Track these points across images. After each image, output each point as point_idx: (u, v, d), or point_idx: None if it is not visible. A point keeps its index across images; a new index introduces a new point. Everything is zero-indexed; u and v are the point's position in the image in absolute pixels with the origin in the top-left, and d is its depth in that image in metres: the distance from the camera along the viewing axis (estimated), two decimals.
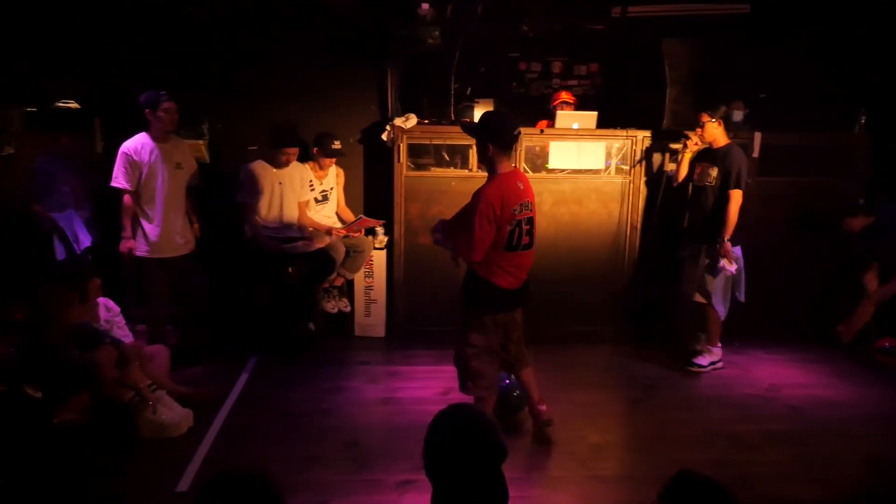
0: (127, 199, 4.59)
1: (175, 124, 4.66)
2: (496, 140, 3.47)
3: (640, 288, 5.39)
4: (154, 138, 4.57)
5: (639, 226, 5.32)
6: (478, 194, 3.49)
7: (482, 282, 3.56)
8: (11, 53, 5.18)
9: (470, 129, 3.71)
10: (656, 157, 5.33)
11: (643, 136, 5.23)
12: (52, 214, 5.00)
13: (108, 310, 4.42)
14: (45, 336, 3.80)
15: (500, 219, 3.45)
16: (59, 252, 5.00)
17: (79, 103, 5.31)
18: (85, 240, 5.10)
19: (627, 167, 5.30)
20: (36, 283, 4.16)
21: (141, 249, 4.63)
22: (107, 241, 4.96)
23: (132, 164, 4.53)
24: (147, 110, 4.50)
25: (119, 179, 4.54)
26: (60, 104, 5.26)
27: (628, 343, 5.39)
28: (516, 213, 3.50)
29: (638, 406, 4.44)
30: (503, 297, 3.59)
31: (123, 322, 4.48)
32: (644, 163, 5.26)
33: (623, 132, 5.23)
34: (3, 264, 4.90)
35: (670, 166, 5.24)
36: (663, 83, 5.14)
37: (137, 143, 4.56)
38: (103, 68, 5.30)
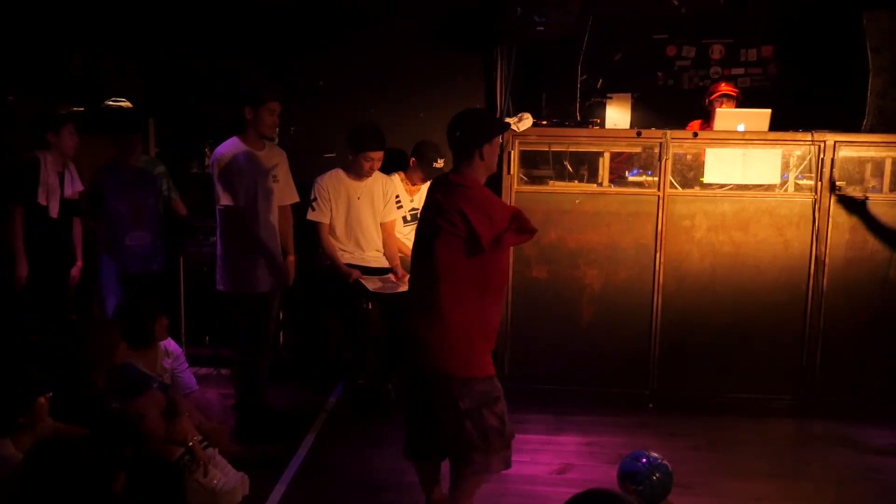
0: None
1: (275, 128, 4.43)
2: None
3: (832, 345, 4.81)
4: (248, 143, 4.25)
5: (826, 260, 4.75)
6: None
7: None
8: (64, 45, 5.28)
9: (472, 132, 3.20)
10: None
11: (835, 141, 4.69)
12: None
13: (167, 353, 4.20)
14: (87, 382, 3.64)
15: None
16: (106, 277, 4.69)
17: (132, 102, 5.29)
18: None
19: (813, 182, 4.76)
20: (85, 318, 4.29)
21: (228, 284, 4.34)
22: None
23: (234, 173, 4.20)
24: (247, 108, 4.16)
25: (226, 196, 4.22)
26: (110, 103, 5.24)
27: (815, 418, 4.81)
28: None
29: None
30: None
31: (186, 366, 4.29)
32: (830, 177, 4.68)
33: (807, 135, 4.73)
34: (59, 292, 4.72)
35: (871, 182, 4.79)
36: (864, 70, 4.82)
37: (231, 149, 4.23)
38: (160, 60, 5.35)
